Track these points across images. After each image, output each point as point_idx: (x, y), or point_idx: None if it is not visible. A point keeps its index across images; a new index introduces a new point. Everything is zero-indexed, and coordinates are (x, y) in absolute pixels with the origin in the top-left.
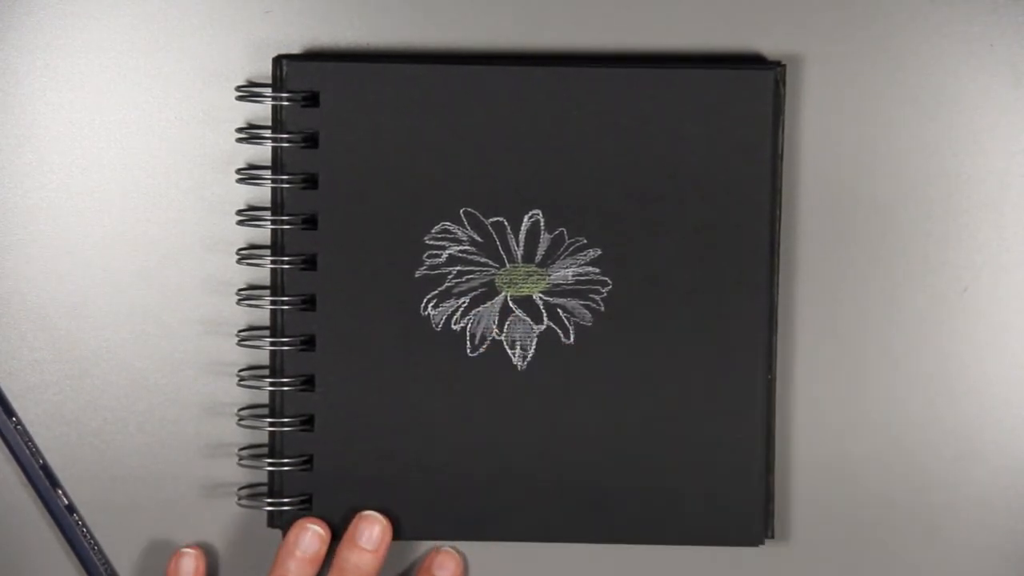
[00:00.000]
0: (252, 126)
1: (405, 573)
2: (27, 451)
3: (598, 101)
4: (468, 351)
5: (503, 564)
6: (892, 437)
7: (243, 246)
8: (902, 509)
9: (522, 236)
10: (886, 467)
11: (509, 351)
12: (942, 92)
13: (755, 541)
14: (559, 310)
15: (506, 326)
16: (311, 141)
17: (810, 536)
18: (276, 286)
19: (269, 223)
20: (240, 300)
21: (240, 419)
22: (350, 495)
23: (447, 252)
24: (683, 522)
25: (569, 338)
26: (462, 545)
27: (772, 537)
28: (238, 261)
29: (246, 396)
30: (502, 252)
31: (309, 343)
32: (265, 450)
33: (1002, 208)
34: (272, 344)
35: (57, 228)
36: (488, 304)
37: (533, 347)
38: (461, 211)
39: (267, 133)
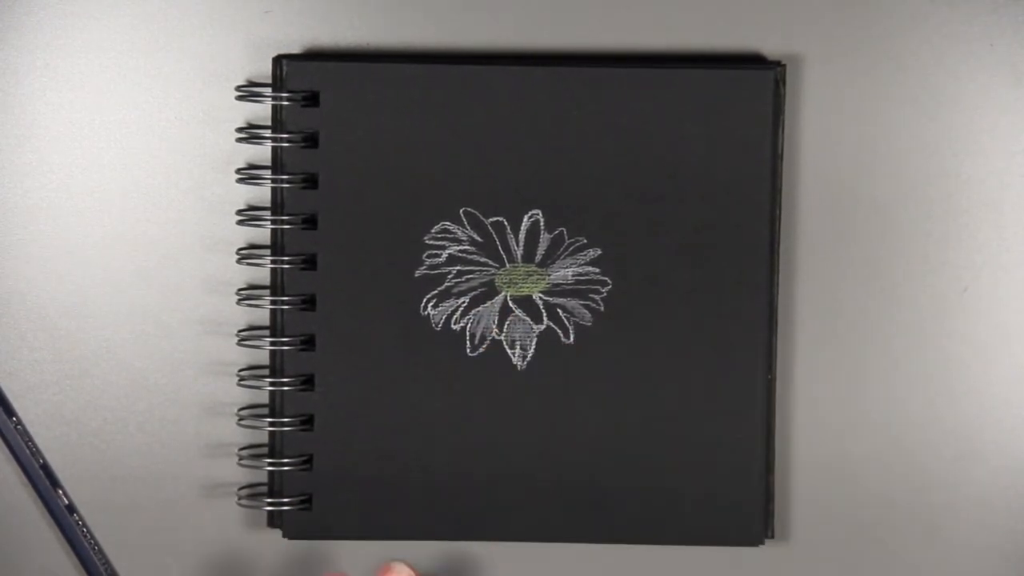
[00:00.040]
0: (252, 126)
1: None
2: (27, 451)
3: (598, 101)
4: (468, 351)
5: (503, 564)
6: (892, 437)
7: (243, 246)
8: (902, 509)
9: (522, 236)
10: (886, 467)
11: (509, 351)
12: (942, 92)
13: (755, 541)
14: (559, 310)
15: (506, 326)
16: (311, 141)
17: (810, 536)
18: (276, 286)
19: (269, 223)
20: (240, 300)
21: (240, 419)
22: (350, 495)
23: (447, 252)
24: (683, 522)
25: (569, 338)
26: (462, 545)
27: (772, 537)
28: (238, 261)
29: (246, 396)
30: (502, 252)
31: (309, 343)
32: (265, 450)
33: (1002, 208)
34: (272, 344)
35: (57, 228)
36: (488, 304)
37: (533, 347)
38: (461, 211)
39: (267, 133)
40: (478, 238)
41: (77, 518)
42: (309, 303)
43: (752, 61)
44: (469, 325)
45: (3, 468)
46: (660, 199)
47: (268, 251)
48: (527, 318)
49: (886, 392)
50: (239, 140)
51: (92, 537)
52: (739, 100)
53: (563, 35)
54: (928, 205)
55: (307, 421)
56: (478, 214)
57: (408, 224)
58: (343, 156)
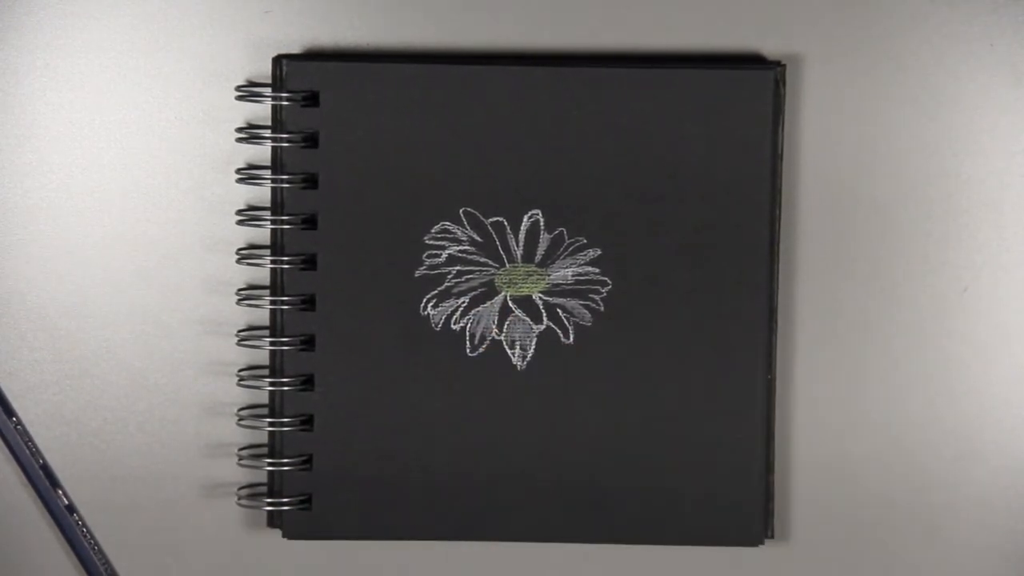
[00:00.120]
0: (252, 126)
1: None
2: (27, 451)
3: (598, 101)
4: (468, 351)
5: (503, 564)
6: (892, 437)
7: (243, 246)
8: (902, 509)
9: (522, 236)
10: (886, 467)
11: (509, 351)
12: (942, 92)
13: (755, 541)
14: (559, 310)
15: (506, 326)
16: (311, 141)
17: (810, 536)
18: (276, 286)
19: (269, 223)
20: (240, 300)
21: (240, 419)
22: (350, 495)
23: (447, 252)
24: (683, 522)
25: (569, 338)
26: (462, 545)
27: (772, 537)
28: (238, 261)
29: (246, 396)
30: (502, 252)
31: (309, 343)
32: (265, 450)
33: (1002, 208)
34: (272, 344)
35: (57, 228)
36: (488, 304)
37: (533, 347)
38: (461, 211)
39: (267, 133)
40: (478, 238)
41: (77, 518)
42: (309, 303)
43: (752, 61)
44: (469, 325)
45: (3, 468)
46: (660, 199)
47: (268, 251)
48: (527, 318)
49: (886, 392)
50: (239, 140)
51: (92, 537)
52: (739, 100)
53: (563, 35)
54: (928, 205)
55: (307, 421)
56: (478, 214)
57: (408, 224)
58: (343, 156)
